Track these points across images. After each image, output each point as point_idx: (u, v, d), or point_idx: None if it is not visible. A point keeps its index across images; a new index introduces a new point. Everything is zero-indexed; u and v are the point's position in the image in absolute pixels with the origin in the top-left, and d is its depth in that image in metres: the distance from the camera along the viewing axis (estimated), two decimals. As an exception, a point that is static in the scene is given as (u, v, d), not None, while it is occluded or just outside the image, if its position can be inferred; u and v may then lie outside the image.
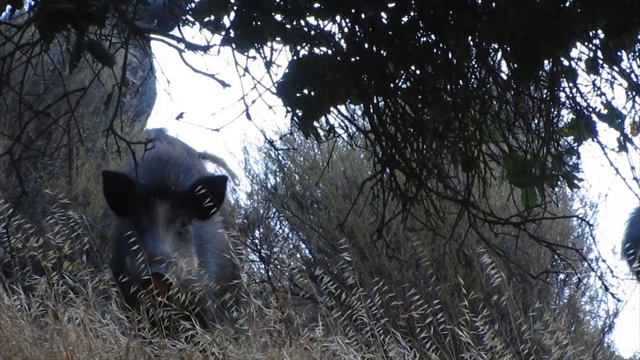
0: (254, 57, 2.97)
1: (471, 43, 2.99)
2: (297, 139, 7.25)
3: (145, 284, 5.05)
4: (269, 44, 2.96)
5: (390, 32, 2.93)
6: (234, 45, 2.93)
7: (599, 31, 3.03)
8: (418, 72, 3.02)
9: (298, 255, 7.19)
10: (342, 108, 3.10)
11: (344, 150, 7.10)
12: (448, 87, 3.04)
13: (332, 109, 3.04)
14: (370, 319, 5.36)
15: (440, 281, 6.24)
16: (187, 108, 3.11)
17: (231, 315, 5.38)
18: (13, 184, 7.36)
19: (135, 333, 4.99)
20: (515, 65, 3.02)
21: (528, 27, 2.69)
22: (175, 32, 3.06)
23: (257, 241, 7.37)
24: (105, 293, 5.42)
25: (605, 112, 3.25)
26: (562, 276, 6.84)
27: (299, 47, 2.92)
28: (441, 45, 2.96)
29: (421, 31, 2.96)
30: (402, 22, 2.94)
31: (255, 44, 2.95)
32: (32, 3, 2.93)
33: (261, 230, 7.42)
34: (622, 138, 3.27)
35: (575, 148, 3.32)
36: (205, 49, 2.96)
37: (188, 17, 3.13)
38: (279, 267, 7.31)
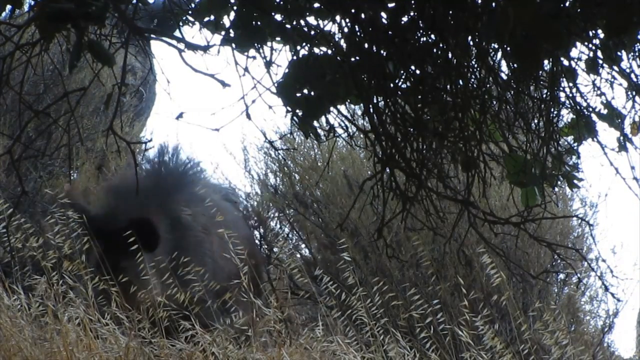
0: (254, 57, 2.97)
1: (471, 43, 2.99)
2: (297, 139, 7.25)
3: None
4: (269, 43, 2.95)
5: (390, 32, 2.93)
6: (234, 45, 2.93)
7: (599, 31, 3.03)
8: (418, 72, 3.02)
9: (298, 255, 7.19)
10: (342, 108, 3.10)
11: (344, 150, 7.10)
12: (448, 87, 3.04)
13: (332, 109, 3.04)
14: (370, 318, 5.36)
15: (440, 281, 6.24)
16: (187, 108, 3.10)
17: (231, 315, 5.38)
18: (13, 184, 7.36)
19: (135, 333, 4.99)
20: (515, 65, 3.01)
21: (528, 27, 2.69)
22: (175, 32, 3.06)
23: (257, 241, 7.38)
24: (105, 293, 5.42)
25: (605, 112, 3.25)
26: (562, 276, 6.84)
27: (299, 47, 2.92)
28: (441, 45, 2.96)
29: (421, 31, 2.96)
30: (402, 22, 2.94)
31: (255, 44, 2.94)
32: (32, 3, 2.93)
33: (261, 230, 7.42)
34: (622, 138, 3.27)
35: (575, 148, 3.32)
36: (205, 48, 2.96)
37: (188, 17, 3.13)
38: (279, 267, 7.31)
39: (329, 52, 2.93)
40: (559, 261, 6.65)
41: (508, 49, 2.89)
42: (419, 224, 3.42)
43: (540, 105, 3.21)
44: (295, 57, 2.93)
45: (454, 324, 5.62)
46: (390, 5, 2.92)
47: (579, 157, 3.35)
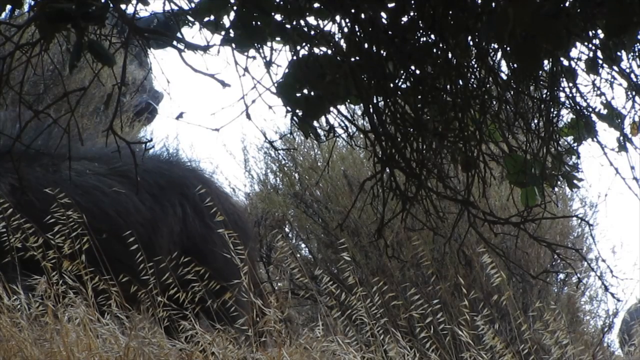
0: (254, 57, 2.97)
1: (471, 43, 2.99)
2: (297, 139, 7.26)
3: None
4: (269, 44, 2.95)
5: (390, 32, 2.93)
6: (234, 45, 2.93)
7: (599, 31, 3.03)
8: (418, 72, 3.02)
9: (298, 255, 7.19)
10: (342, 108, 3.10)
11: (344, 150, 7.11)
12: (448, 87, 3.04)
13: (332, 109, 3.04)
14: (370, 318, 5.36)
15: (440, 281, 6.24)
16: (187, 108, 3.10)
17: (231, 315, 5.39)
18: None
19: (135, 333, 4.99)
20: (515, 65, 3.01)
21: (528, 27, 2.69)
22: (175, 32, 3.06)
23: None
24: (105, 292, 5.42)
25: (605, 112, 3.25)
26: (562, 276, 6.85)
27: (299, 47, 2.92)
28: (441, 45, 2.96)
29: (421, 31, 2.96)
30: (402, 22, 2.94)
31: (255, 44, 2.94)
32: (32, 3, 2.93)
33: (261, 230, 7.42)
34: (622, 138, 3.27)
35: (575, 148, 3.31)
36: (205, 49, 2.96)
37: (188, 17, 3.13)
38: (279, 267, 7.31)
39: (329, 52, 2.93)
40: (559, 261, 6.66)
41: (508, 49, 2.89)
42: (419, 224, 3.42)
43: (540, 105, 3.20)
44: (295, 57, 2.93)
45: (454, 324, 5.62)
46: (390, 5, 2.92)
47: (579, 157, 3.35)
